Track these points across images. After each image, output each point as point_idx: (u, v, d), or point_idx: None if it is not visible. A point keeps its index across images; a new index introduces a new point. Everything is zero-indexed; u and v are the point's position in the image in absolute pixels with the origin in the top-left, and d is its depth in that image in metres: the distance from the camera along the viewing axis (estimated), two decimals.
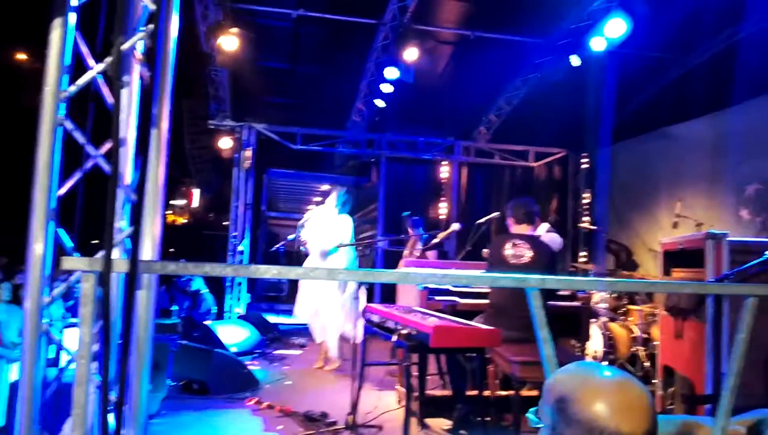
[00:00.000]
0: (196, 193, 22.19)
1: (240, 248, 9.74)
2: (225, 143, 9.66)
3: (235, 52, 7.57)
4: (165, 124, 1.76)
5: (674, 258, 4.73)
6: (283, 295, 11.09)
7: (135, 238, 1.57)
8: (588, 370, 1.28)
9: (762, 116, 7.02)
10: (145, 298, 1.72)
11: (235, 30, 7.36)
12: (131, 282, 1.58)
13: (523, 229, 4.55)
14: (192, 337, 7.38)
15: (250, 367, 6.01)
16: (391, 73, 8.22)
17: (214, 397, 5.17)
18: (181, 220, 27.30)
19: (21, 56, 15.95)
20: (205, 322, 7.49)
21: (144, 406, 1.82)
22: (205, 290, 8.48)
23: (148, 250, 1.73)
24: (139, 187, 1.59)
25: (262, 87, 9.13)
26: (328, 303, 6.26)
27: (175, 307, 7.99)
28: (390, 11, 7.64)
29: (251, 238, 9.86)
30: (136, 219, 1.59)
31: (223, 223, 10.51)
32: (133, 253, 1.56)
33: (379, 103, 9.34)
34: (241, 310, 9.67)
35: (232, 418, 4.71)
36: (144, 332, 1.73)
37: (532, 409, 1.35)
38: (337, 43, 8.37)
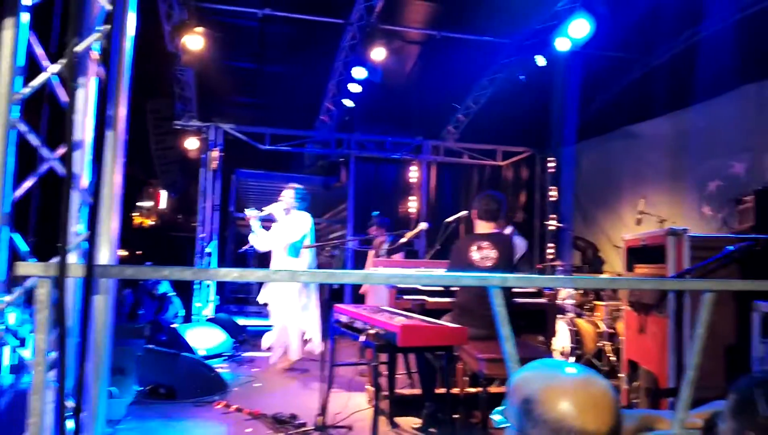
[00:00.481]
0: (163, 194, 21.89)
1: (208, 250, 9.63)
2: (191, 144, 9.54)
3: (201, 51, 7.48)
4: (122, 125, 1.73)
5: (637, 254, 4.82)
6: (253, 296, 10.99)
7: (91, 241, 1.54)
8: (552, 369, 1.29)
9: (722, 114, 7.19)
10: (102, 303, 1.69)
11: (200, 29, 7.27)
12: (87, 287, 1.56)
13: (487, 226, 4.58)
14: (159, 341, 7.29)
15: (218, 370, 5.95)
16: (359, 72, 8.21)
17: (181, 402, 5.10)
18: (149, 222, 26.89)
19: None
20: (173, 326, 7.39)
21: (103, 411, 1.78)
22: (172, 293, 8.36)
23: (105, 254, 1.70)
24: (95, 190, 1.56)
25: (229, 87, 9.04)
26: (290, 304, 6.24)
27: (141, 311, 7.88)
28: (357, 11, 7.63)
29: (219, 239, 9.75)
30: (92, 222, 1.56)
31: (192, 225, 10.38)
32: (89, 258, 1.53)
33: (348, 102, 9.33)
34: (209, 312, 9.57)
35: (200, 422, 4.66)
36: (102, 337, 1.69)
37: (496, 410, 1.35)
38: (304, 42, 8.32)
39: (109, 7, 1.61)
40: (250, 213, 6.43)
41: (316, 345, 6.35)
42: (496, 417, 1.35)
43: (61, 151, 1.65)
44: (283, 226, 6.37)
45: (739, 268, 3.97)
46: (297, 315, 6.25)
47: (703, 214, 7.40)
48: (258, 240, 6.44)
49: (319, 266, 5.39)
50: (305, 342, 6.50)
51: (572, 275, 8.04)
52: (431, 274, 1.47)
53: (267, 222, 6.55)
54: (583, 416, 1.17)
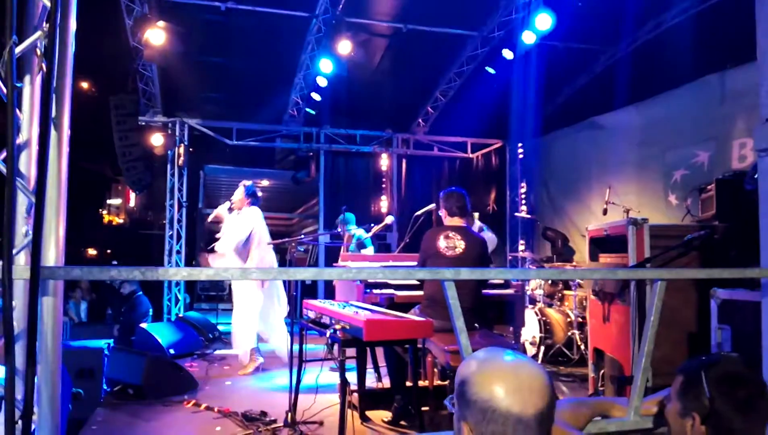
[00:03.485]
0: (132, 191, 21.61)
1: (177, 248, 9.53)
2: (157, 140, 9.40)
3: (163, 46, 7.37)
4: (65, 123, 1.70)
5: (601, 244, 4.89)
6: (224, 293, 10.90)
7: (35, 243, 1.52)
8: (490, 354, 1.34)
9: (686, 104, 7.31)
10: (51, 306, 1.66)
11: (162, 24, 7.17)
12: (33, 289, 1.53)
13: (456, 221, 4.61)
14: (128, 341, 7.21)
15: (188, 369, 5.91)
16: (326, 66, 8.18)
17: (150, 401, 5.05)
18: (118, 220, 26.55)
19: None
20: (142, 325, 7.31)
21: (56, 415, 1.76)
22: (140, 293, 8.26)
23: (53, 255, 1.67)
24: (38, 190, 1.53)
25: (194, 81, 8.92)
26: (247, 305, 6.18)
27: (110, 311, 7.77)
28: (321, 3, 7.59)
29: (187, 237, 9.64)
30: (36, 223, 1.53)
31: (162, 223, 10.25)
32: (33, 259, 1.50)
33: (315, 96, 9.29)
34: (179, 311, 9.47)
35: (169, 421, 4.62)
36: (51, 340, 1.67)
37: (449, 396, 1.39)
38: (269, 36, 8.25)
39: (49, 3, 1.58)
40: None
41: (283, 353, 6.29)
42: (447, 402, 1.40)
43: (5, 152, 1.61)
44: (231, 224, 6.26)
45: (699, 257, 4.05)
46: (248, 315, 6.19)
47: (669, 203, 7.53)
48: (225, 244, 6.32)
49: (291, 262, 5.33)
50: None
51: (540, 267, 8.11)
52: (385, 269, 1.48)
53: (217, 223, 6.46)
54: (510, 398, 1.22)
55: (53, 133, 1.64)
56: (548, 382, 1.27)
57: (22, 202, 1.82)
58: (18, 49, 1.68)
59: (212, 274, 1.63)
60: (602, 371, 4.87)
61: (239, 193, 6.35)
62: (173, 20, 7.45)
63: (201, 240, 10.51)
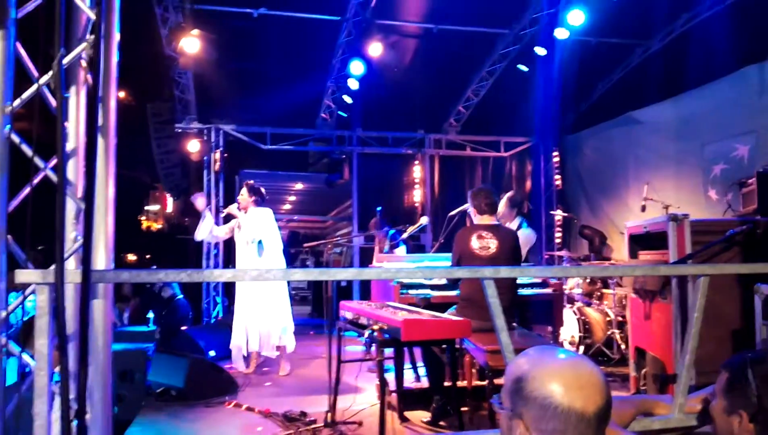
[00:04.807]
0: (169, 198, 22.01)
1: (214, 252, 9.68)
2: (193, 146, 9.57)
3: (198, 54, 7.51)
4: (112, 131, 1.75)
5: (640, 241, 4.81)
6: None
7: (86, 248, 1.57)
8: (544, 352, 1.33)
9: (724, 97, 7.16)
10: (101, 308, 1.72)
11: (196, 32, 7.30)
12: (84, 292, 1.58)
13: (486, 219, 4.59)
14: (170, 344, 7.33)
15: (228, 371, 5.99)
16: (357, 68, 8.22)
17: (192, 403, 5.13)
18: (156, 226, 27.06)
19: None
20: (182, 328, 7.43)
21: (107, 414, 1.81)
22: (180, 296, 8.41)
23: (102, 259, 1.73)
24: (87, 196, 1.58)
25: (228, 88, 9.05)
26: (269, 306, 6.18)
27: (150, 315, 7.91)
28: (352, 7, 7.64)
29: (224, 241, 9.77)
30: (86, 229, 1.59)
31: None
32: (84, 263, 1.56)
33: (347, 99, 9.34)
34: (218, 314, 9.61)
35: (212, 422, 4.69)
36: (101, 341, 1.72)
37: (495, 395, 1.39)
38: (301, 41, 8.33)
39: (93, 15, 1.63)
40: (201, 203, 6.26)
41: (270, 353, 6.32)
42: (494, 401, 1.40)
43: (55, 160, 1.67)
44: (244, 225, 6.26)
45: (741, 252, 3.96)
46: (277, 316, 6.24)
47: (709, 199, 7.38)
48: (201, 230, 6.24)
49: (327, 264, 5.37)
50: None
51: (579, 265, 8.02)
52: (425, 268, 1.48)
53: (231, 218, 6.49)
54: (571, 395, 1.20)
55: (100, 141, 1.70)
56: (605, 380, 1.26)
57: (71, 208, 1.88)
58: (65, 61, 1.74)
59: (255, 276, 1.66)
60: (644, 370, 4.79)
61: (243, 193, 6.35)
62: (206, 28, 7.58)
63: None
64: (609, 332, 6.55)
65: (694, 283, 2.15)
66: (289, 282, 6.09)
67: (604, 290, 7.11)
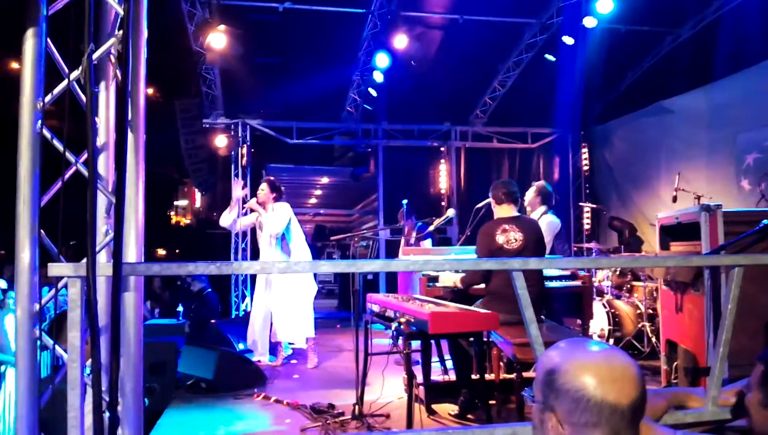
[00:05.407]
0: (198, 193, 22.25)
1: (242, 246, 9.77)
2: (220, 141, 9.67)
3: (225, 49, 7.56)
4: (141, 126, 1.77)
5: (672, 232, 4.73)
6: None
7: (117, 241, 1.59)
8: (576, 344, 1.31)
9: (757, 85, 7.00)
10: (131, 300, 1.74)
11: (222, 27, 7.35)
12: (115, 284, 1.60)
13: (505, 210, 4.55)
14: (199, 337, 7.43)
15: (256, 363, 6.05)
16: (382, 61, 8.20)
17: (222, 395, 5.20)
18: (185, 221, 27.40)
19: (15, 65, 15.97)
20: (212, 321, 7.52)
21: (138, 405, 1.84)
22: (209, 290, 8.52)
23: (132, 252, 1.75)
24: (118, 191, 1.60)
25: (255, 83, 9.12)
26: (294, 299, 6.20)
27: (180, 308, 8.04)
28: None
29: (251, 235, 9.87)
30: (117, 222, 1.61)
31: None
32: (115, 256, 1.58)
33: (372, 92, 9.33)
34: (246, 307, 9.71)
35: (241, 414, 4.74)
36: (132, 333, 1.75)
37: (527, 388, 1.38)
38: (326, 34, 8.34)
39: (122, 11, 1.65)
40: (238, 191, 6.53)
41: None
42: (526, 394, 1.38)
43: (86, 155, 1.70)
44: (265, 221, 6.30)
45: None
46: (305, 306, 6.27)
47: (741, 189, 7.24)
48: (226, 216, 6.47)
49: (354, 257, 5.38)
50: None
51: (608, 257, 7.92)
52: (452, 260, 1.47)
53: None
54: (605, 387, 1.18)
55: (130, 136, 1.72)
56: (640, 373, 1.24)
57: (101, 202, 1.91)
58: (94, 56, 1.76)
59: (284, 268, 1.67)
60: (675, 363, 4.71)
61: (264, 189, 6.38)
62: (232, 23, 7.63)
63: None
64: (639, 325, 6.47)
65: (728, 275, 2.10)
66: (315, 275, 6.10)
67: (634, 283, 7.01)
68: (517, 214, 4.62)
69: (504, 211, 4.57)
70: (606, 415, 1.18)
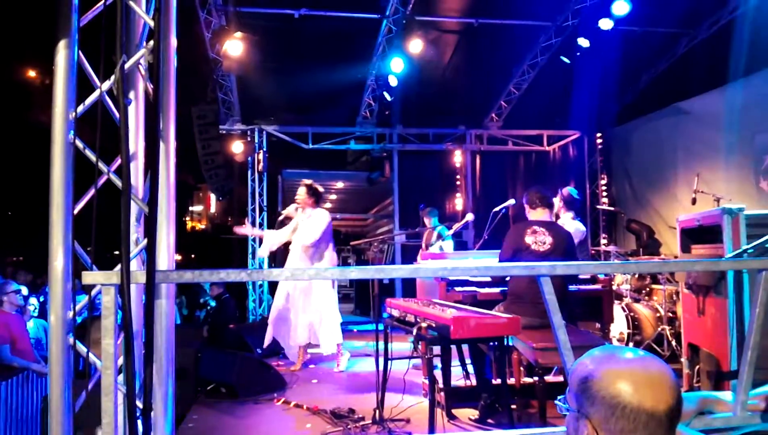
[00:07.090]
0: (213, 198, 22.40)
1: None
2: (237, 147, 9.75)
3: (241, 56, 7.61)
4: (172, 136, 1.80)
5: (692, 235, 4.70)
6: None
7: (150, 249, 1.61)
8: (610, 351, 1.30)
9: None
10: (164, 307, 1.76)
11: (239, 34, 7.41)
12: (149, 292, 1.63)
13: (539, 214, 4.56)
14: (219, 342, 7.48)
15: (276, 368, 6.07)
16: (397, 65, 8.22)
17: (242, 399, 5.22)
18: (200, 226, 27.58)
19: (31, 73, 16.17)
20: (230, 326, 7.56)
21: (170, 411, 1.86)
22: (227, 295, 8.57)
23: (164, 260, 1.77)
24: (151, 199, 1.62)
25: (270, 88, 9.17)
26: (318, 302, 6.21)
27: (198, 314, 8.10)
28: (392, 4, 7.65)
29: None
30: (149, 231, 1.63)
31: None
32: (148, 264, 1.60)
33: (387, 96, 9.35)
34: (263, 312, 9.75)
35: (262, 418, 4.76)
36: (165, 340, 1.77)
37: (560, 396, 1.37)
38: (341, 40, 8.38)
39: (152, 23, 1.67)
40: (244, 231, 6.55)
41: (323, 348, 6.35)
42: (559, 403, 1.38)
43: (118, 163, 1.72)
44: (301, 225, 6.27)
45: None
46: (332, 311, 6.27)
47: (761, 190, 7.17)
48: (263, 247, 6.51)
49: (369, 262, 5.40)
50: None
51: (627, 261, 7.87)
52: (480, 266, 1.48)
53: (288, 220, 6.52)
54: (640, 393, 1.18)
55: (161, 145, 1.74)
56: (676, 379, 1.23)
57: (132, 211, 1.94)
58: (125, 66, 1.79)
59: (313, 274, 1.69)
60: (697, 367, 4.68)
61: (302, 193, 6.34)
62: (248, 30, 7.68)
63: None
64: (659, 329, 6.42)
65: (754, 278, 2.09)
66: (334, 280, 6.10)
67: (654, 286, 6.96)
68: (551, 220, 4.64)
69: (537, 214, 4.58)
70: (642, 421, 1.17)
